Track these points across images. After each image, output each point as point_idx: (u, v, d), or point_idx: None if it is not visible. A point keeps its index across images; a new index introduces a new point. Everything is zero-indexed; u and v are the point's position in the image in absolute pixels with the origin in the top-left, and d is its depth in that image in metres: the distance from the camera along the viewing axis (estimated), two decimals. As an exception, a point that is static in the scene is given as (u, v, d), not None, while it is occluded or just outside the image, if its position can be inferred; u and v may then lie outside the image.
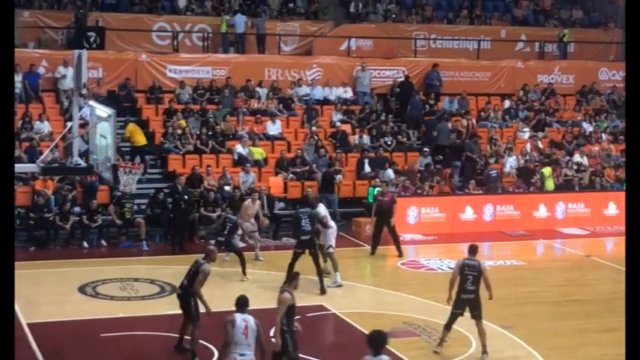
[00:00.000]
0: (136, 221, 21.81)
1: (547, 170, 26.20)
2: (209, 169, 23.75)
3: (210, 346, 14.01)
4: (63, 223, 21.42)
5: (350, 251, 21.67)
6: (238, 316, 11.33)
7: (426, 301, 17.38)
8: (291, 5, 31.60)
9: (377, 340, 9.61)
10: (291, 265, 17.36)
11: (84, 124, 17.01)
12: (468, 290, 14.15)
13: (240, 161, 24.59)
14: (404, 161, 26.53)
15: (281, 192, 24.20)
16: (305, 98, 28.18)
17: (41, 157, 16.92)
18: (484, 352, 14.30)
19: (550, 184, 26.10)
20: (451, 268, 15.03)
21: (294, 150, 25.63)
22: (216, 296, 15.00)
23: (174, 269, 18.03)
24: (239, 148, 25.07)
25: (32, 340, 14.63)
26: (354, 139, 26.86)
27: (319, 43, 30.24)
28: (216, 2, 30.88)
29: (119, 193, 21.36)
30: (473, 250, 14.40)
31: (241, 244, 20.25)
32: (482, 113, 29.39)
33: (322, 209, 18.85)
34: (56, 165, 19.46)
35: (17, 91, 24.84)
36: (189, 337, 13.91)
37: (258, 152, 25.29)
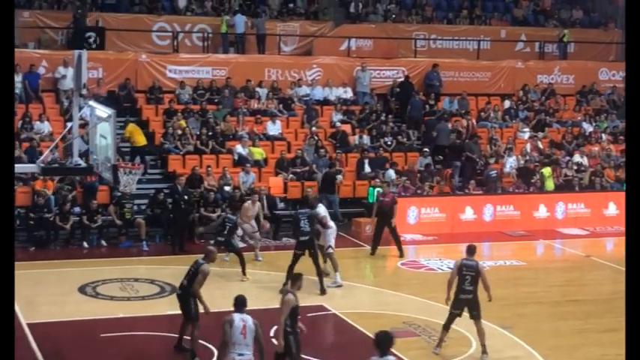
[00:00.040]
0: (136, 221, 21.81)
1: (547, 170, 26.19)
2: (209, 169, 23.74)
3: (210, 346, 13.99)
4: (63, 224, 21.42)
5: (350, 251, 21.66)
6: (236, 316, 11.32)
7: (425, 301, 17.39)
8: (291, 5, 31.58)
9: (384, 341, 9.61)
10: (291, 267, 17.36)
11: (84, 125, 17.01)
12: (466, 290, 14.16)
13: (240, 161, 24.58)
14: (404, 161, 26.51)
15: (281, 192, 24.19)
16: (305, 98, 28.15)
17: (41, 158, 16.89)
18: (484, 352, 14.30)
19: (550, 185, 26.09)
20: (451, 269, 15.02)
21: (294, 150, 25.62)
22: (216, 296, 15.03)
23: (174, 269, 18.04)
24: (239, 148, 25.06)
25: (32, 340, 14.63)
26: (354, 139, 26.85)
27: (319, 43, 30.22)
28: (216, 2, 30.86)
29: (119, 194, 21.35)
30: (471, 251, 14.41)
31: (241, 245, 20.24)
32: (482, 113, 29.37)
33: (322, 209, 18.82)
34: (56, 165, 19.39)
35: (17, 91, 24.83)
36: (188, 337, 13.92)
37: (258, 152, 25.28)
